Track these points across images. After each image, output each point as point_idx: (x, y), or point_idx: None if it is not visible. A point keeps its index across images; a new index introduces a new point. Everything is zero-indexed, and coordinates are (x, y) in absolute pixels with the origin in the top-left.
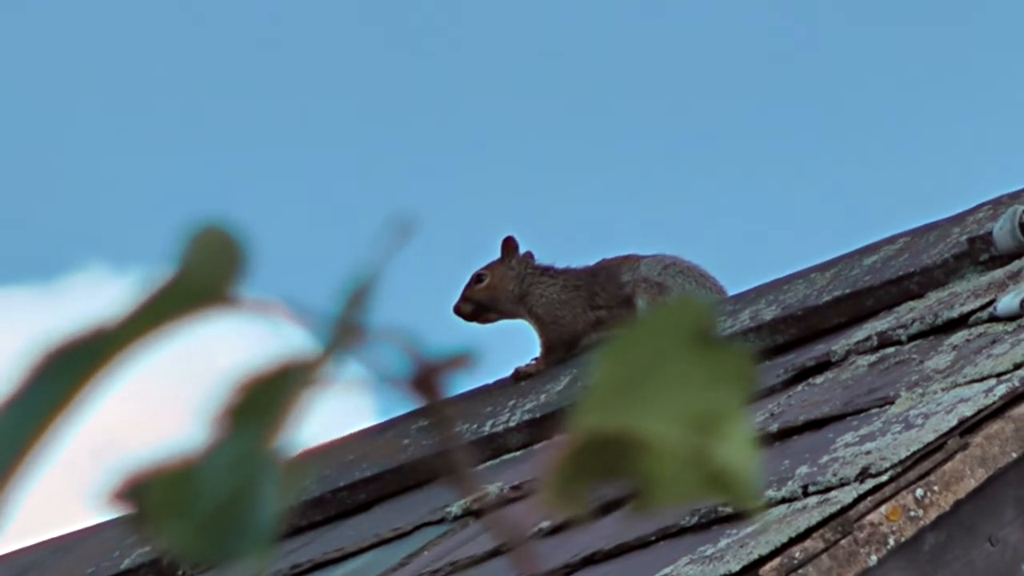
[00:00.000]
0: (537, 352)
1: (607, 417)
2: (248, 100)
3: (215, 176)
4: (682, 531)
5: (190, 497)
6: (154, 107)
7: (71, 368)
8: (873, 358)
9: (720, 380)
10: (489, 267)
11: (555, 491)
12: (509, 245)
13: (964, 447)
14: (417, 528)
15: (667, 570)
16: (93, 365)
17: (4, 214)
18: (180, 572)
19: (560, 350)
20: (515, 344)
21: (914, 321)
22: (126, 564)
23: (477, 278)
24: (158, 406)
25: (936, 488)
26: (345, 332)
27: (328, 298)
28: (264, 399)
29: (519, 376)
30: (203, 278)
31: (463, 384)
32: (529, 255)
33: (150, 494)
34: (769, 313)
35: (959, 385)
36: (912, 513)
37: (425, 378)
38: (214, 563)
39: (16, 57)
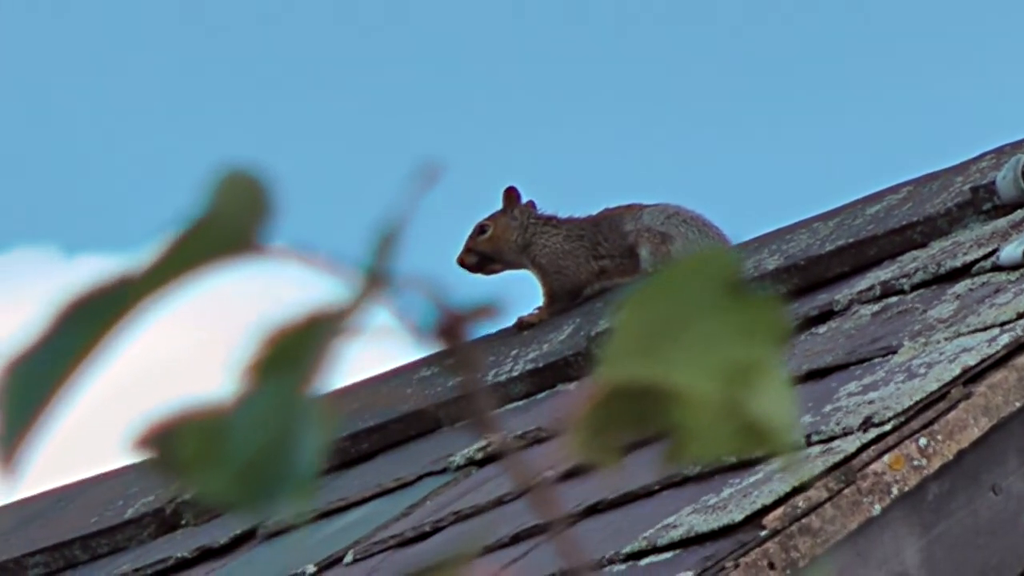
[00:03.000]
0: (539, 301)
1: (636, 367)
2: (270, 54)
3: (237, 126)
4: (685, 480)
5: (225, 446)
6: (185, 58)
7: (95, 315)
8: (876, 307)
9: (752, 331)
10: (492, 218)
11: (583, 440)
12: (511, 195)
13: (967, 396)
14: (420, 478)
15: (670, 519)
16: (117, 312)
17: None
18: (184, 521)
19: (563, 299)
20: (518, 293)
21: (917, 270)
22: (130, 513)
23: (480, 229)
24: (192, 351)
25: (939, 437)
26: (372, 281)
27: (355, 246)
28: (295, 348)
29: (522, 325)
30: (229, 224)
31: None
32: (531, 204)
33: (183, 443)
34: (772, 262)
35: (962, 334)
36: (915, 462)
37: (451, 327)
38: (252, 510)
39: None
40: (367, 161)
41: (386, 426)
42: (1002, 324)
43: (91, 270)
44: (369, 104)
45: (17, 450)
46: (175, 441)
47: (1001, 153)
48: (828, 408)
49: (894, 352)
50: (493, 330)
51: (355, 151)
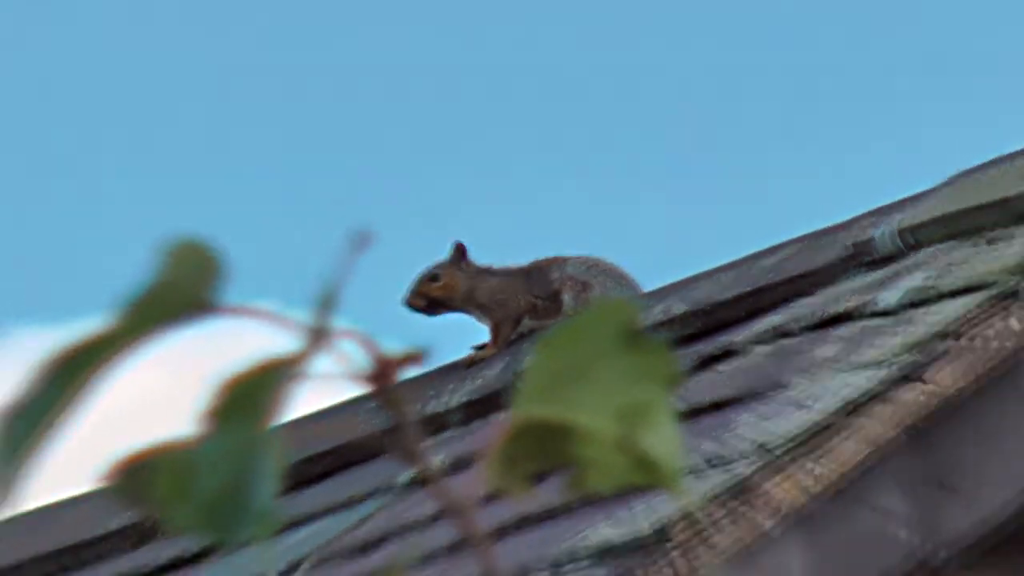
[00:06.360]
0: (477, 341)
1: (544, 407)
2: (216, 124)
3: (186, 201)
4: (602, 499)
5: (191, 483)
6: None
7: (73, 369)
8: (770, 348)
9: (646, 376)
10: (442, 268)
11: (497, 472)
12: (460, 249)
13: (849, 426)
14: (369, 496)
15: (588, 532)
16: (91, 366)
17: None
18: (160, 533)
19: (507, 329)
20: (455, 334)
21: (806, 315)
22: (114, 525)
23: (431, 277)
24: (158, 397)
25: (824, 462)
26: (316, 333)
27: (300, 303)
28: (251, 394)
29: (472, 361)
30: (183, 287)
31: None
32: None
33: (153, 478)
34: (679, 308)
35: (845, 371)
36: (803, 484)
37: (382, 372)
38: (218, 539)
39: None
40: (310, 225)
41: (338, 450)
42: (880, 362)
43: (70, 332)
44: (306, 174)
45: (9, 488)
46: (145, 476)
47: (879, 213)
48: (727, 436)
49: (785, 387)
50: (435, 366)
51: (300, 216)
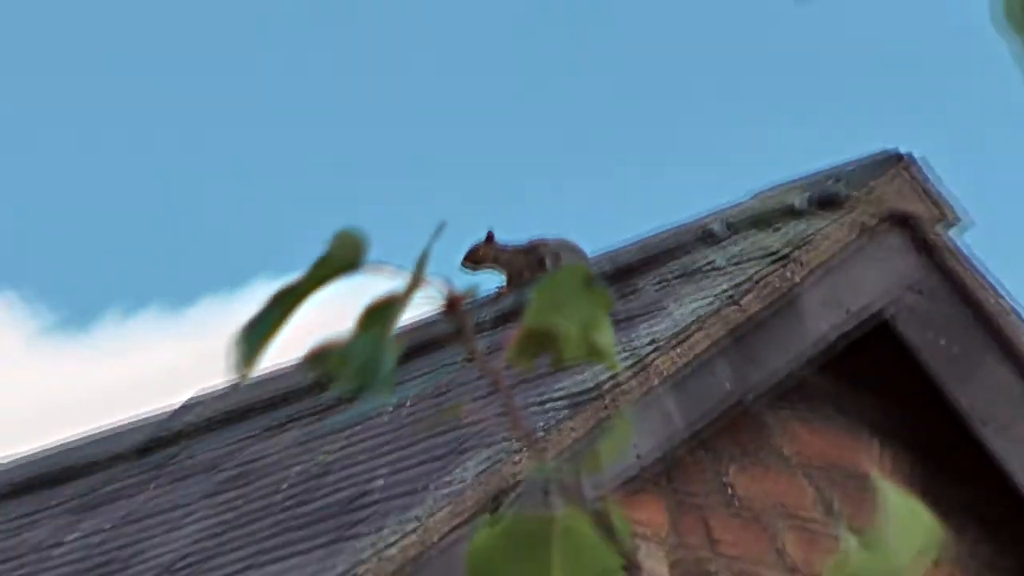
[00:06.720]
0: (500, 285)
1: (539, 320)
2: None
3: (345, 203)
4: (568, 368)
5: (348, 360)
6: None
7: (286, 298)
8: (657, 287)
9: (595, 304)
10: (480, 245)
11: (514, 356)
12: (490, 235)
13: (699, 329)
14: (443, 367)
15: (560, 385)
16: (296, 297)
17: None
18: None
19: (516, 279)
20: (489, 284)
21: (677, 270)
22: (309, 381)
23: (475, 250)
24: (329, 317)
25: (686, 348)
26: (415, 280)
27: (407, 264)
28: (380, 313)
29: (500, 295)
30: (344, 254)
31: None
32: (491, 235)
33: (328, 357)
34: (608, 267)
35: (697, 300)
36: (675, 361)
37: (452, 301)
38: (362, 391)
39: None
40: (413, 218)
41: (427, 343)
42: (716, 295)
43: (285, 280)
44: (413, 189)
45: (248, 366)
46: (324, 356)
47: (716, 214)
48: (634, 335)
49: (665, 308)
50: (478, 298)
51: (409, 214)
